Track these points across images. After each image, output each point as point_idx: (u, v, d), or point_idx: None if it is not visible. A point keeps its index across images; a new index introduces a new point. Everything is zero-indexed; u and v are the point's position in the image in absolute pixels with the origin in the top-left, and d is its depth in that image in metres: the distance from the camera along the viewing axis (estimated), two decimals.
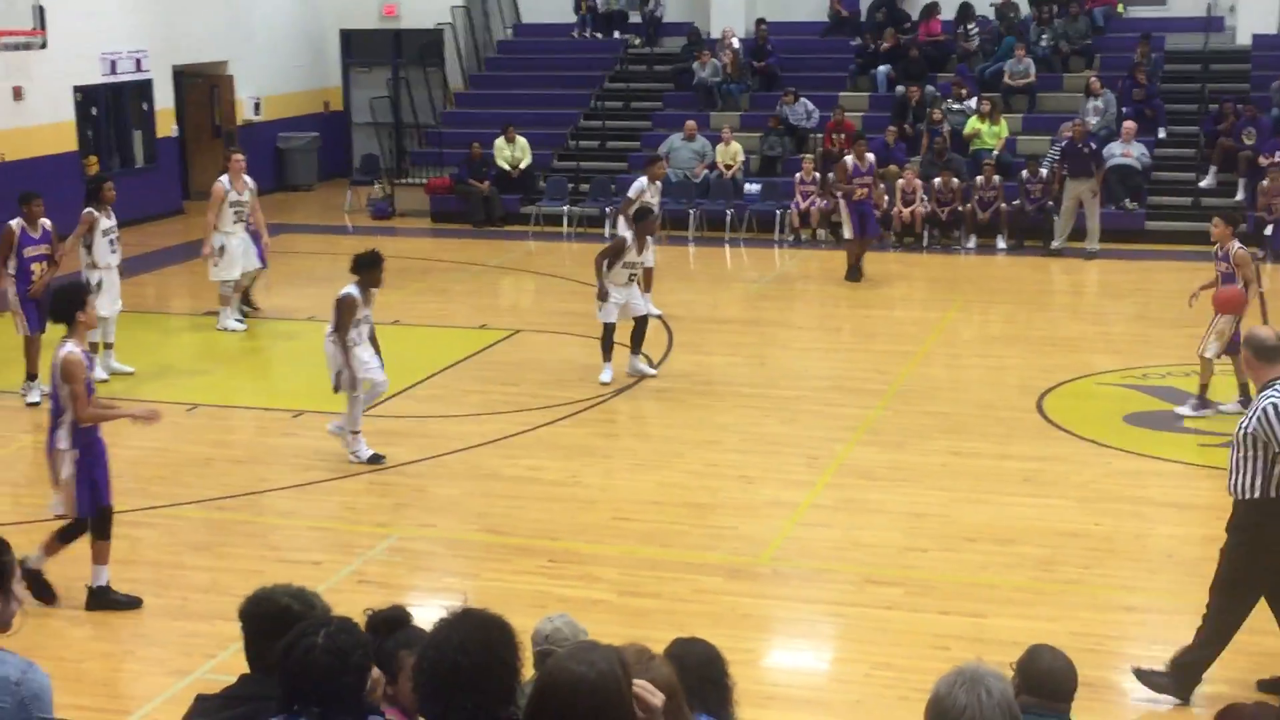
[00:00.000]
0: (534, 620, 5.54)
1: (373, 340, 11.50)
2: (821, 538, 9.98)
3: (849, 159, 18.65)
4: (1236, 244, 12.33)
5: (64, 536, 8.83)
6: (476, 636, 3.74)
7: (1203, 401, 12.37)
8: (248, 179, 16.09)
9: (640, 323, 13.82)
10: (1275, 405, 6.94)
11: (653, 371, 13.87)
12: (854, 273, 18.29)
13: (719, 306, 17.38)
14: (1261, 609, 7.39)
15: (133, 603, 8.79)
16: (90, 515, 8.72)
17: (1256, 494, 7.05)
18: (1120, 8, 24.61)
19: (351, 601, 8.47)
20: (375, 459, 11.39)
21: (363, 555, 9.72)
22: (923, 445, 11.74)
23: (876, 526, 10.13)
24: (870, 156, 18.87)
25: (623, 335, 13.72)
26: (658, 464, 11.61)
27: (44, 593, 8.72)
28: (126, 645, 8.43)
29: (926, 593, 9.00)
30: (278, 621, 4.28)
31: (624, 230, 15.34)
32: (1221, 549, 7.35)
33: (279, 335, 16.20)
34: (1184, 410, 12.39)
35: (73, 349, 8.46)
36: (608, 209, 21.93)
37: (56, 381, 8.48)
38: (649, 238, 14.22)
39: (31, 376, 13.20)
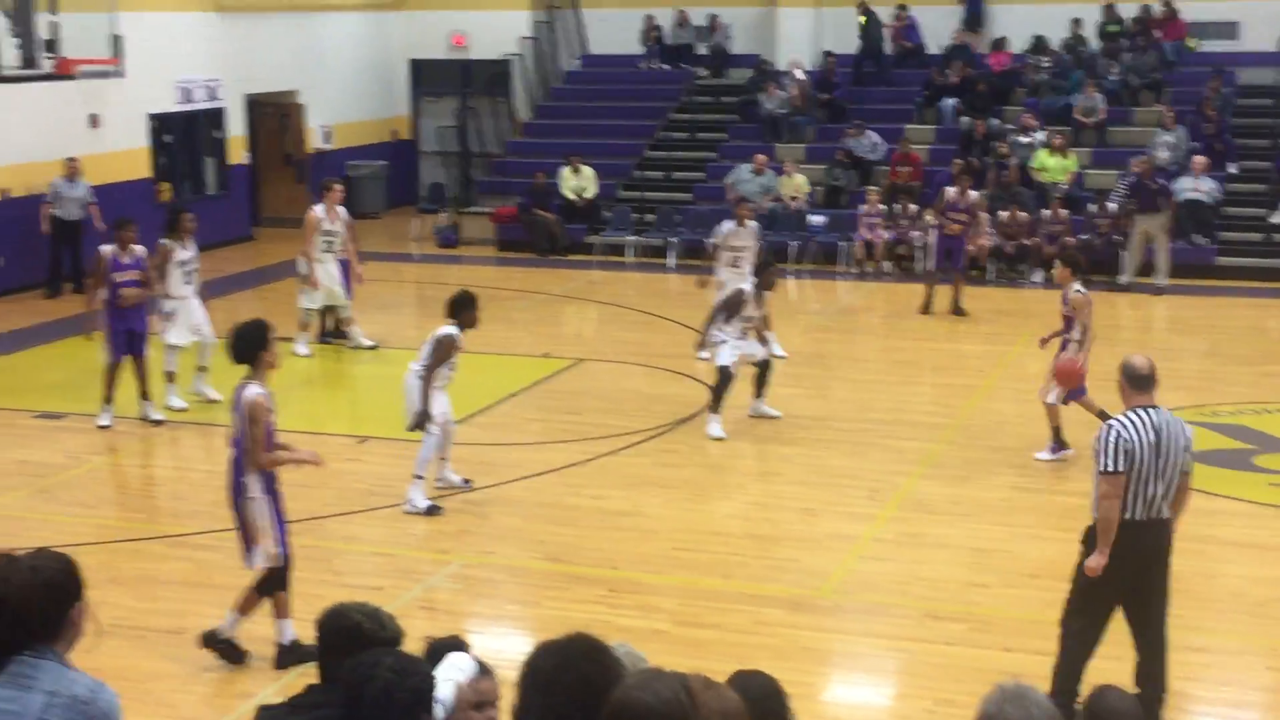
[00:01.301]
0: None
1: None
2: (883, 571, 9.93)
3: (951, 190, 18.49)
4: (1075, 286, 12.06)
5: (263, 589, 8.41)
6: (586, 648, 3.86)
7: (1059, 444, 12.15)
8: (341, 210, 16.22)
9: (763, 366, 13.37)
10: (1110, 428, 7.17)
11: (776, 413, 13.42)
12: (928, 307, 18.19)
13: (781, 339, 17.30)
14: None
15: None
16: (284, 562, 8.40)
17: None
18: (1191, 42, 24.41)
19: (413, 627, 8.49)
20: (432, 510, 11.16)
21: (424, 581, 9.78)
22: (986, 480, 11.66)
23: (938, 561, 10.07)
24: (974, 194, 18.60)
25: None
26: (719, 495, 11.60)
27: (235, 656, 8.43)
28: (192, 667, 8.50)
29: (989, 629, 8.93)
30: (347, 638, 4.36)
31: (722, 274, 15.22)
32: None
33: (346, 361, 16.33)
34: (1043, 455, 12.10)
35: (259, 390, 8.17)
36: (671, 240, 22.01)
37: (244, 423, 8.18)
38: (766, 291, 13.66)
39: (108, 400, 13.40)
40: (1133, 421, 7.15)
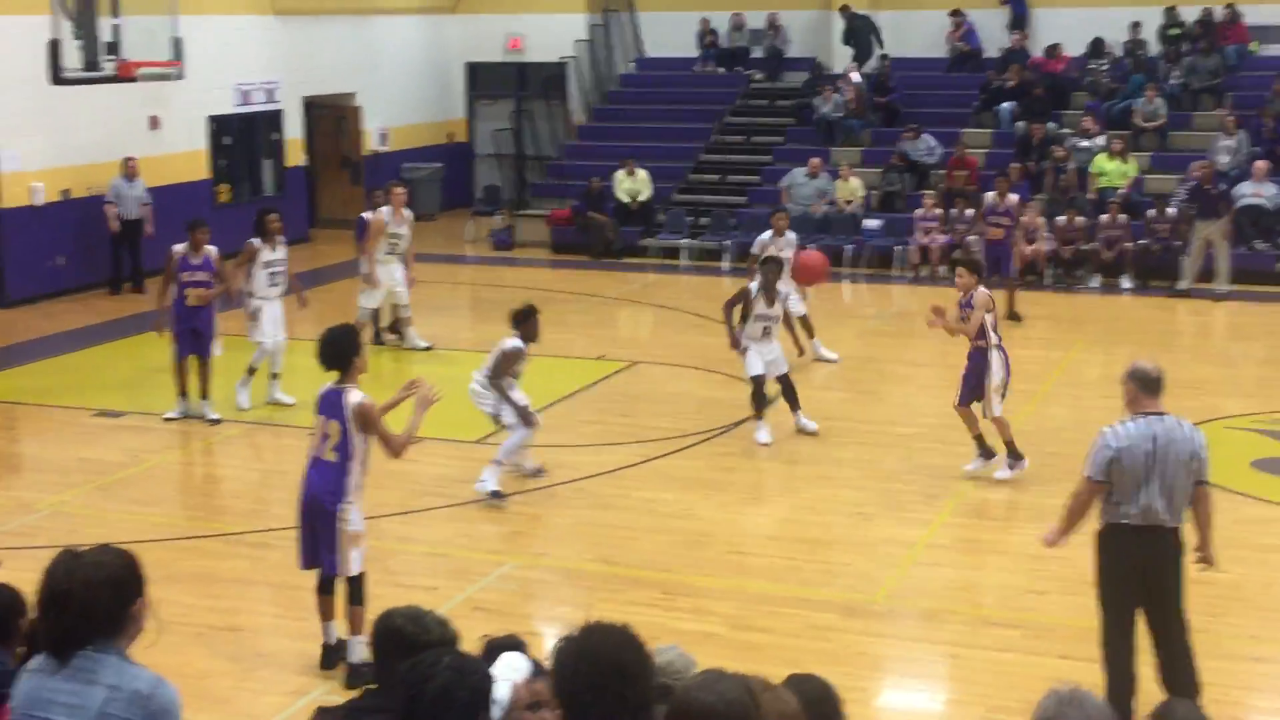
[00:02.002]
0: None
1: None
2: (938, 577, 9.87)
3: (989, 196, 18.41)
4: (981, 290, 11.78)
5: (357, 599, 8.29)
6: (613, 641, 3.90)
7: (1014, 457, 11.88)
8: (407, 212, 16.34)
9: (785, 381, 13.15)
10: (1102, 435, 7.22)
11: (813, 427, 13.16)
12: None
13: (836, 342, 17.26)
14: None
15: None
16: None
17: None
18: (1254, 45, 24.15)
19: (466, 628, 8.52)
20: (496, 495, 11.34)
21: (478, 582, 9.80)
22: (1043, 486, 11.56)
23: (994, 567, 10.01)
24: (1013, 197, 18.46)
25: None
26: (773, 499, 11.58)
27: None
28: (247, 664, 8.57)
29: (1045, 636, 8.86)
30: (392, 642, 4.39)
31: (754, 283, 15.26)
32: None
33: (401, 362, 16.41)
34: (1002, 474, 11.81)
35: (361, 395, 8.14)
36: (726, 243, 22.00)
37: (351, 432, 8.09)
38: (783, 289, 13.58)
39: (181, 394, 13.58)
40: (1127, 430, 7.19)
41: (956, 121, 23.60)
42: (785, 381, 13.13)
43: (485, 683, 3.97)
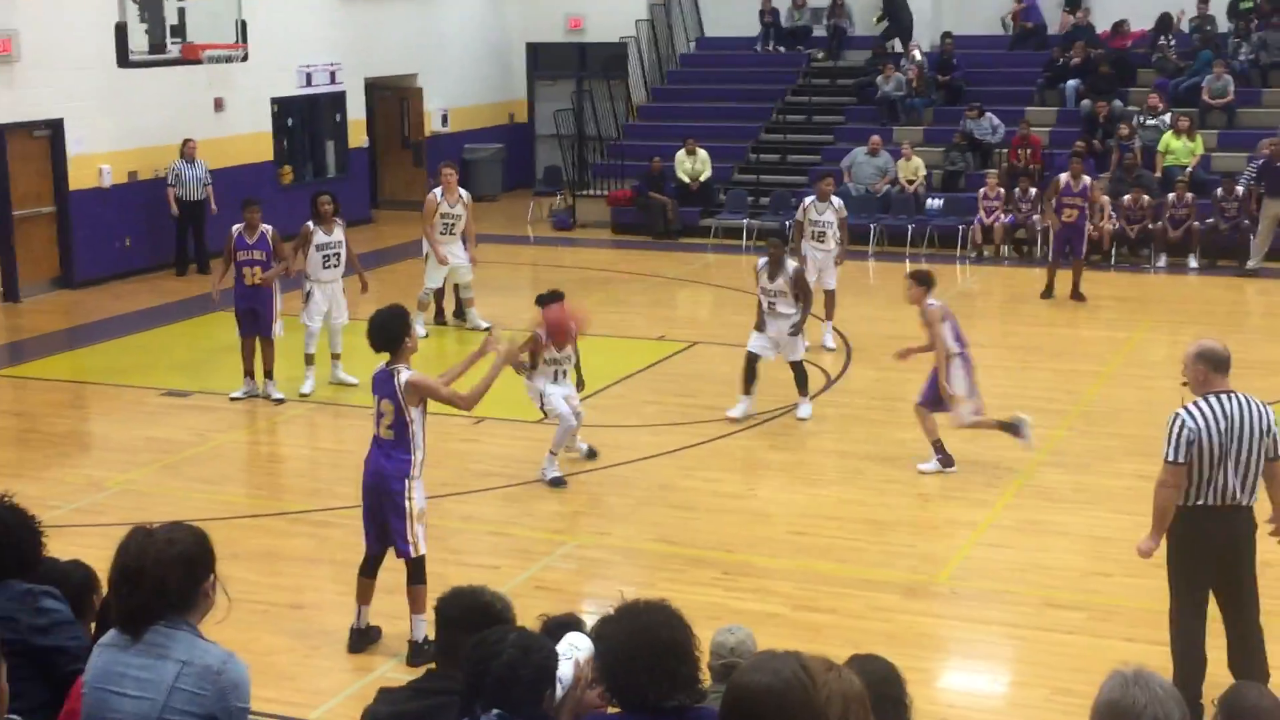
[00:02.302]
0: (707, 631, 5.55)
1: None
2: (1001, 559, 9.81)
3: (1063, 177, 18.18)
4: (930, 301, 11.52)
5: (420, 578, 8.30)
6: (658, 619, 3.96)
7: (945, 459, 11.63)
8: (463, 192, 16.32)
9: (797, 368, 13.02)
10: (1177, 417, 7.11)
11: (804, 415, 13.02)
12: (1050, 290, 17.98)
13: (899, 323, 17.13)
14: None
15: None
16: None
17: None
18: None
19: (528, 607, 8.55)
20: (556, 482, 11.34)
21: (540, 561, 9.84)
22: (1108, 467, 11.47)
23: (1058, 549, 9.93)
24: (1087, 179, 18.24)
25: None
26: (835, 479, 11.54)
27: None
28: (312, 641, 8.66)
29: (1110, 618, 8.79)
30: (455, 620, 4.43)
31: (805, 249, 15.33)
32: None
33: (464, 342, 16.46)
34: (925, 466, 11.58)
35: (411, 371, 8.20)
36: (788, 223, 21.89)
37: (405, 409, 8.13)
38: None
39: (247, 373, 13.76)
40: (1201, 410, 7.11)
41: (1020, 100, 23.39)
42: (797, 368, 13.03)
43: (551, 660, 4.00)
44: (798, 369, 13.02)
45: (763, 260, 13.11)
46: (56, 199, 19.10)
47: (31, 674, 4.43)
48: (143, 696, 3.84)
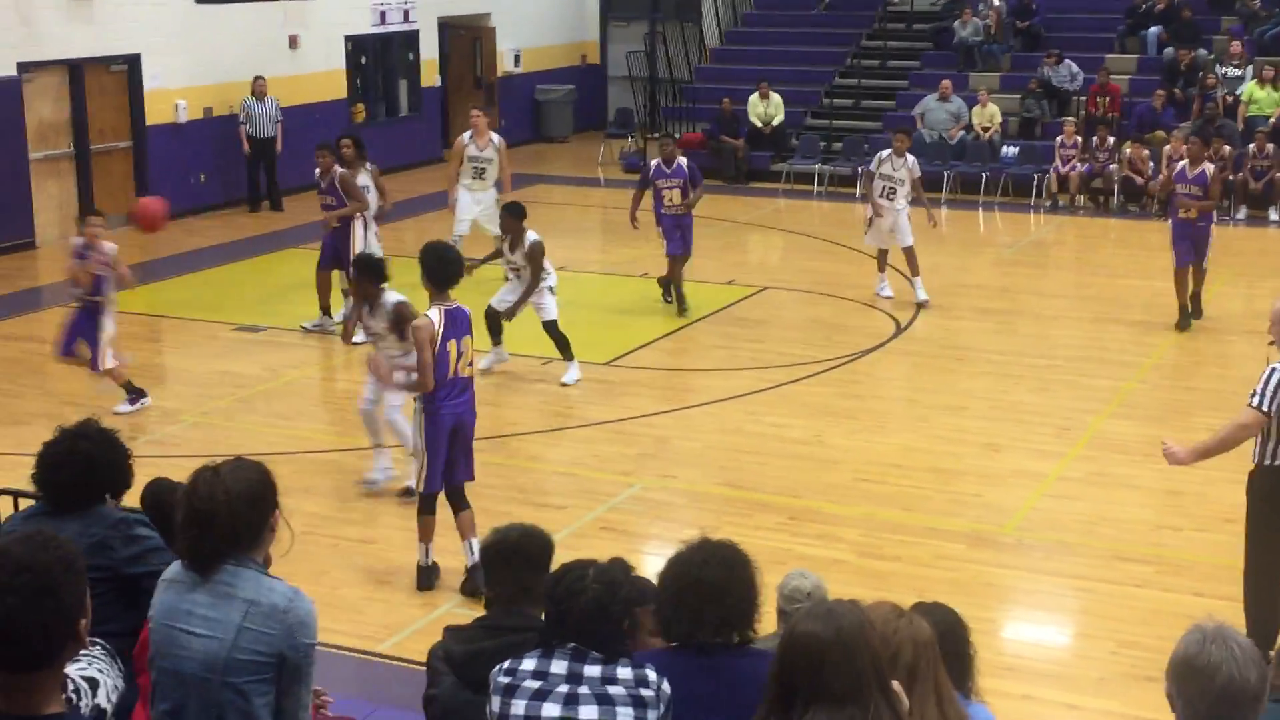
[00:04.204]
0: (773, 576, 5.55)
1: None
2: (1069, 510, 9.75)
3: (1180, 165, 14.43)
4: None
5: (467, 503, 8.56)
6: (718, 555, 4.05)
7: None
8: (494, 136, 16.00)
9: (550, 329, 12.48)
10: (1275, 370, 6.94)
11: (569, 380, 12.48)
12: (1186, 320, 14.15)
13: (970, 271, 17.05)
14: None
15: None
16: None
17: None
18: None
19: (594, 547, 8.66)
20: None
21: (607, 502, 9.89)
22: (1181, 420, 11.34)
23: (1128, 502, 9.85)
24: (1208, 165, 14.32)
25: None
26: (902, 427, 11.50)
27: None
28: (380, 576, 8.77)
29: (1179, 573, 8.72)
30: (504, 555, 4.53)
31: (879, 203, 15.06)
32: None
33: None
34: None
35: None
36: (859, 168, 21.73)
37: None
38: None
39: (324, 310, 13.97)
40: None
41: (1100, 46, 23.01)
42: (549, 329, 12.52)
43: (633, 593, 4.05)
44: (552, 330, 12.44)
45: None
46: (133, 134, 19.29)
47: (121, 599, 4.53)
48: (211, 636, 3.88)
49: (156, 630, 3.99)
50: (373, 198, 14.24)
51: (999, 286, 16.30)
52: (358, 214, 13.90)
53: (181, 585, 3.99)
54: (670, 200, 14.66)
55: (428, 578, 8.58)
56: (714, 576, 3.96)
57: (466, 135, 16.01)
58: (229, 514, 3.89)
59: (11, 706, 2.87)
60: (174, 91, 19.54)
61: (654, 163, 14.93)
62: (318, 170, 13.85)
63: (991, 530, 9.40)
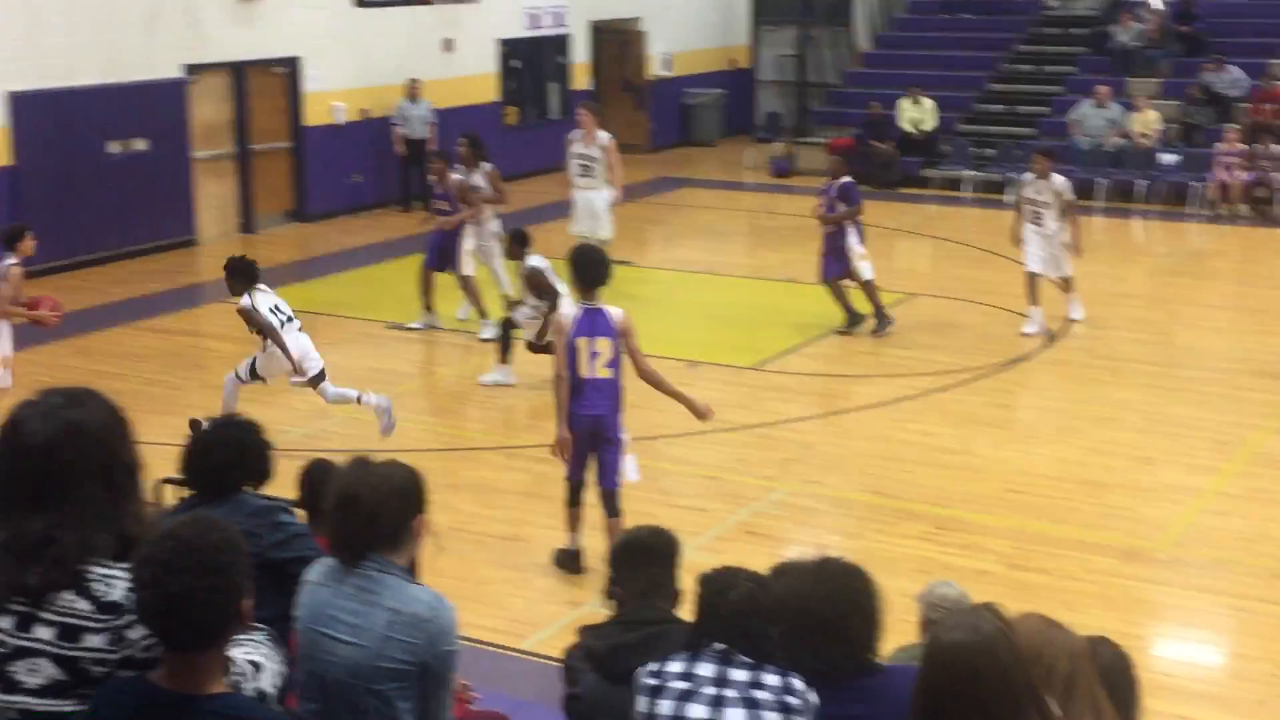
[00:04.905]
0: (916, 585, 5.49)
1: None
2: (1227, 527, 9.48)
3: None
4: None
5: (618, 510, 8.61)
6: (842, 590, 3.87)
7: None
8: (601, 134, 15.86)
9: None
10: None
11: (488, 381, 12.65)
12: None
13: (1124, 280, 16.69)
14: None
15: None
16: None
17: None
18: None
19: (737, 551, 8.65)
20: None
21: (750, 507, 9.87)
22: None
23: None
24: None
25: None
26: (1053, 438, 11.29)
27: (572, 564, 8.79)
28: (526, 573, 8.84)
29: None
30: (633, 553, 4.59)
31: (1024, 229, 14.20)
32: None
33: (674, 285, 16.52)
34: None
35: (620, 309, 8.48)
36: (1011, 176, 21.38)
37: (619, 347, 8.40)
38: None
39: (427, 308, 14.19)
40: None
41: (1265, 52, 22.32)
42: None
43: (777, 606, 4.02)
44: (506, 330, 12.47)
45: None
46: (292, 135, 19.74)
47: (270, 585, 4.63)
48: (357, 643, 3.91)
49: (304, 633, 4.04)
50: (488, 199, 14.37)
51: (1155, 296, 15.93)
52: (473, 218, 14.08)
53: (324, 588, 4.03)
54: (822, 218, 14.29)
55: (566, 559, 8.70)
56: (839, 613, 3.84)
57: (576, 133, 15.99)
58: (373, 500, 3.93)
59: (178, 685, 2.96)
60: (332, 94, 19.96)
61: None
62: (433, 177, 14.11)
63: (1145, 545, 9.18)
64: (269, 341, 10.52)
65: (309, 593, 4.08)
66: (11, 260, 10.77)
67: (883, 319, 14.02)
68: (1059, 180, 14.12)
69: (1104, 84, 21.84)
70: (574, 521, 8.70)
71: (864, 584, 3.92)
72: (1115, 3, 23.88)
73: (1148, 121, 21.34)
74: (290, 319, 10.69)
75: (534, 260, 11.96)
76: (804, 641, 3.83)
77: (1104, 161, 21.09)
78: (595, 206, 15.73)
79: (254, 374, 10.84)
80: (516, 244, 12.22)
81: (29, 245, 10.88)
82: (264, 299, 10.58)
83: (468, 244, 13.98)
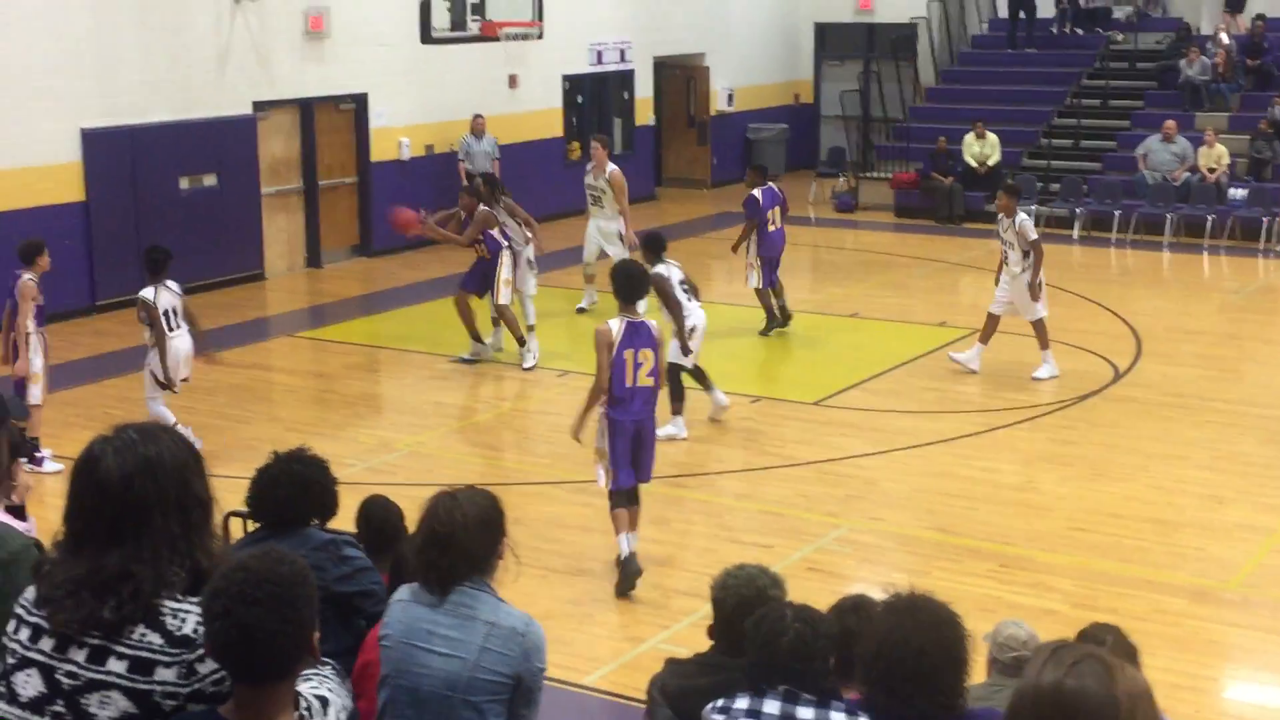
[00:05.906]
0: (983, 624, 5.44)
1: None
2: None
3: None
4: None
5: (637, 499, 9.25)
6: (933, 637, 3.76)
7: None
8: (611, 167, 16.24)
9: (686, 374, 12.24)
10: None
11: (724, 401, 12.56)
12: None
13: (1193, 316, 16.52)
14: None
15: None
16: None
17: None
18: None
19: (802, 588, 8.57)
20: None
21: (813, 543, 9.83)
22: None
23: None
24: None
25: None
26: (1119, 476, 11.17)
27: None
28: (587, 608, 8.85)
29: None
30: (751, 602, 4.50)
31: None
32: None
33: (735, 321, 16.48)
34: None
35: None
36: (1077, 210, 21.27)
37: (660, 356, 9.02)
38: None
39: (475, 338, 14.39)
40: None
41: None
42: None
43: (834, 630, 4.02)
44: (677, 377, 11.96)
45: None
46: (359, 170, 19.95)
47: (336, 619, 4.69)
48: (453, 655, 4.02)
49: (395, 649, 4.14)
50: (514, 232, 14.49)
51: (1224, 333, 15.76)
52: (507, 247, 14.26)
53: (419, 605, 4.17)
54: None
55: (628, 573, 8.87)
56: (934, 665, 3.70)
57: (589, 164, 16.50)
58: (465, 537, 4.12)
59: (248, 718, 2.98)
60: (398, 129, 20.15)
61: None
62: (462, 210, 14.45)
63: (1215, 585, 9.06)
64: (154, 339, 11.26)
65: (401, 610, 4.21)
66: (28, 275, 11.20)
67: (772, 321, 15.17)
68: (1021, 218, 13.58)
69: (1171, 118, 21.68)
70: (628, 523, 9.02)
71: (958, 632, 3.77)
72: (1183, 37, 23.71)
73: (1216, 156, 21.15)
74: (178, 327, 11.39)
75: (660, 267, 11.78)
76: (896, 691, 3.76)
77: (1172, 196, 20.91)
78: (606, 231, 16.32)
79: (159, 383, 11.38)
80: (649, 249, 12.12)
81: (45, 261, 11.37)
82: (167, 298, 11.31)
83: (504, 273, 14.13)
